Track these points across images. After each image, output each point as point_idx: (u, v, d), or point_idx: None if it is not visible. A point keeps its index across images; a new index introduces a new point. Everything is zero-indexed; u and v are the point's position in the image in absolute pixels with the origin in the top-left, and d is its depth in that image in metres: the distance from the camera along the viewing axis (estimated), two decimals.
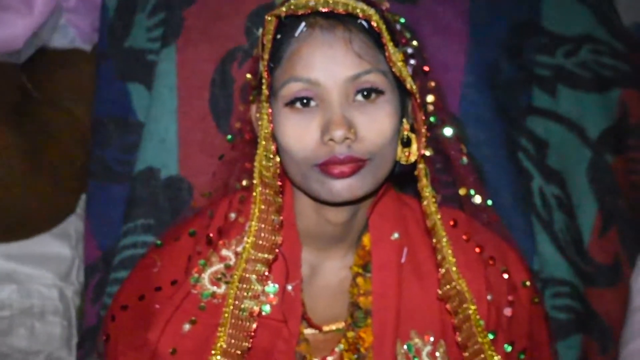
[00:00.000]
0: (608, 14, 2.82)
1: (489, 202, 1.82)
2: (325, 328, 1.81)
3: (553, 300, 2.45)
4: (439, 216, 1.73)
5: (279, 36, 1.74)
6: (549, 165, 2.59)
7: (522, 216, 2.50)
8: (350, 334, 1.77)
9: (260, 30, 1.79)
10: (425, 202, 1.75)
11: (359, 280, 1.80)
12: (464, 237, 1.78)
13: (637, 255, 2.45)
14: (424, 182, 1.74)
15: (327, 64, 1.69)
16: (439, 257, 1.73)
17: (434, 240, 1.74)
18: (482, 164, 2.50)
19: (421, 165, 1.75)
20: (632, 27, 3.53)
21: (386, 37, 1.71)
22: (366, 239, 1.83)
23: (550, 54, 2.70)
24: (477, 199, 1.82)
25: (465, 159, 1.84)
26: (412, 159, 1.76)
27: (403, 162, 1.77)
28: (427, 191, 1.74)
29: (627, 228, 2.56)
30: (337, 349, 1.79)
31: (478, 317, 1.70)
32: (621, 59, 2.72)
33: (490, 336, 1.71)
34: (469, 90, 2.57)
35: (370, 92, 1.69)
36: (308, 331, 1.80)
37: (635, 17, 3.65)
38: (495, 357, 1.70)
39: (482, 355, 1.69)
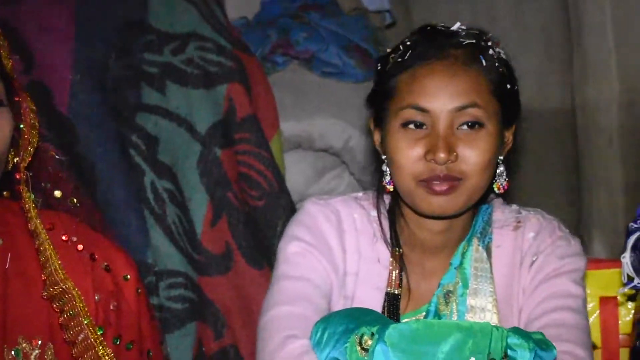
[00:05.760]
0: (213, 10, 2.93)
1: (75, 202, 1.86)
2: None
3: (168, 291, 2.53)
4: (39, 220, 1.75)
5: None
6: (160, 160, 2.66)
7: (135, 211, 2.55)
8: None
9: None
10: (26, 207, 1.75)
11: None
12: (64, 237, 1.81)
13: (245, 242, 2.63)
14: (23, 187, 1.75)
15: None
16: (43, 259, 1.74)
17: (37, 243, 1.75)
18: (94, 163, 2.52)
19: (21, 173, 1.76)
20: (238, 21, 3.71)
21: None
22: None
23: (158, 51, 2.76)
24: (73, 200, 1.86)
25: (60, 161, 1.87)
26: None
27: (9, 168, 1.76)
28: (27, 196, 1.75)
29: (235, 217, 2.69)
30: None
31: (88, 313, 1.74)
32: (226, 55, 2.85)
33: (99, 331, 1.76)
34: (77, 90, 2.57)
35: None
36: None
37: (241, 12, 3.84)
38: (108, 350, 1.75)
39: (93, 351, 1.73)
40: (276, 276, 1.88)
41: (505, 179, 1.88)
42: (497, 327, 1.58)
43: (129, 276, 1.87)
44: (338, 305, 1.85)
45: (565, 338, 1.75)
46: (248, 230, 2.69)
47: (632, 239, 1.91)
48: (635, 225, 1.97)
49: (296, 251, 1.88)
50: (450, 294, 1.87)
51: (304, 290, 1.82)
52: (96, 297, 1.79)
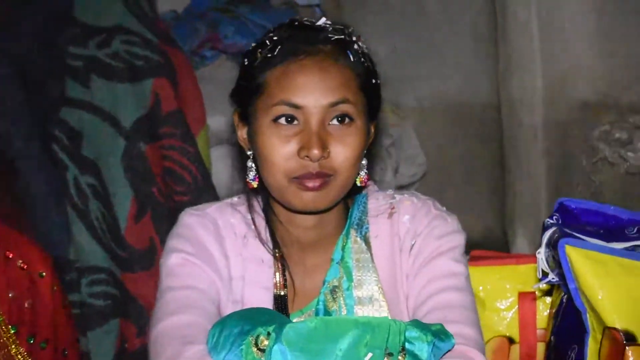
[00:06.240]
0: (140, 4, 2.91)
1: None
2: None
3: (90, 287, 2.51)
4: None
5: None
6: (83, 155, 2.64)
7: (57, 207, 2.52)
8: None
9: None
10: None
11: None
12: None
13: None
14: None
15: None
16: None
17: None
18: (14, 158, 2.48)
19: None
20: (168, 14, 3.69)
21: None
22: None
23: (83, 45, 2.74)
24: None
25: None
26: None
27: None
28: None
29: (159, 213, 2.68)
30: None
31: (0, 312, 1.73)
32: (152, 49, 2.83)
33: (12, 330, 1.74)
34: None
35: None
36: None
37: (173, 5, 3.83)
38: (21, 349, 1.73)
39: (6, 350, 1.72)
40: (160, 291, 1.84)
41: (366, 172, 1.88)
42: (395, 321, 1.57)
43: (44, 274, 1.86)
44: (228, 311, 1.83)
45: (452, 319, 1.75)
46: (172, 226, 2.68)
47: (546, 235, 1.94)
48: (551, 221, 2.00)
49: (177, 262, 1.85)
50: (336, 289, 1.87)
51: (190, 298, 1.79)
52: (10, 295, 1.78)
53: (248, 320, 1.62)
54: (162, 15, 3.58)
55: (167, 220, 2.67)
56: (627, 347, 1.72)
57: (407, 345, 1.56)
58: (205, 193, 2.77)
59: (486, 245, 3.12)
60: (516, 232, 3.27)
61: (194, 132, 2.86)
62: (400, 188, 3.61)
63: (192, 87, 2.96)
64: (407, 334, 1.56)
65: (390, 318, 1.60)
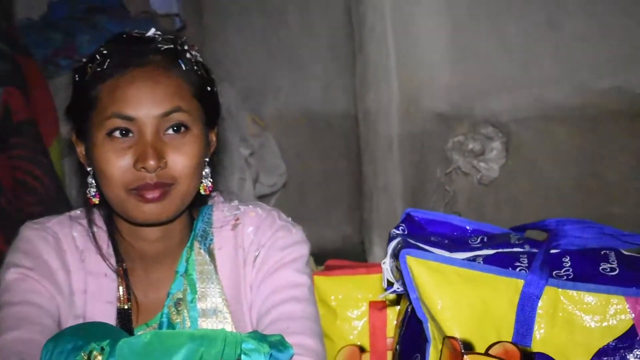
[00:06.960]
0: None
1: None
2: None
3: None
4: None
5: None
6: None
7: None
8: None
9: None
10: None
11: None
12: None
13: None
14: None
15: None
16: None
17: None
18: None
19: None
20: (24, 21, 3.62)
21: None
22: None
23: None
24: None
25: None
26: None
27: None
28: None
29: (10, 225, 2.62)
30: None
31: None
32: (2, 58, 2.77)
33: None
34: None
35: None
36: None
37: (28, 13, 3.76)
38: None
39: None
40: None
41: (210, 180, 1.88)
42: (231, 333, 1.56)
43: None
44: (69, 325, 1.80)
45: (293, 330, 1.77)
46: None
47: (391, 245, 1.96)
48: (397, 232, 2.03)
49: (15, 278, 1.81)
50: (180, 302, 1.86)
51: (27, 314, 1.76)
52: None
53: (82, 335, 1.59)
54: (17, 22, 3.51)
55: (17, 232, 2.61)
56: (465, 356, 1.76)
57: (243, 357, 1.55)
58: (58, 204, 2.72)
59: (344, 254, 3.16)
60: (373, 241, 3.31)
61: (46, 142, 2.81)
62: (260, 198, 3.62)
63: (45, 97, 2.91)
64: (243, 345, 1.56)
65: (227, 330, 1.59)
